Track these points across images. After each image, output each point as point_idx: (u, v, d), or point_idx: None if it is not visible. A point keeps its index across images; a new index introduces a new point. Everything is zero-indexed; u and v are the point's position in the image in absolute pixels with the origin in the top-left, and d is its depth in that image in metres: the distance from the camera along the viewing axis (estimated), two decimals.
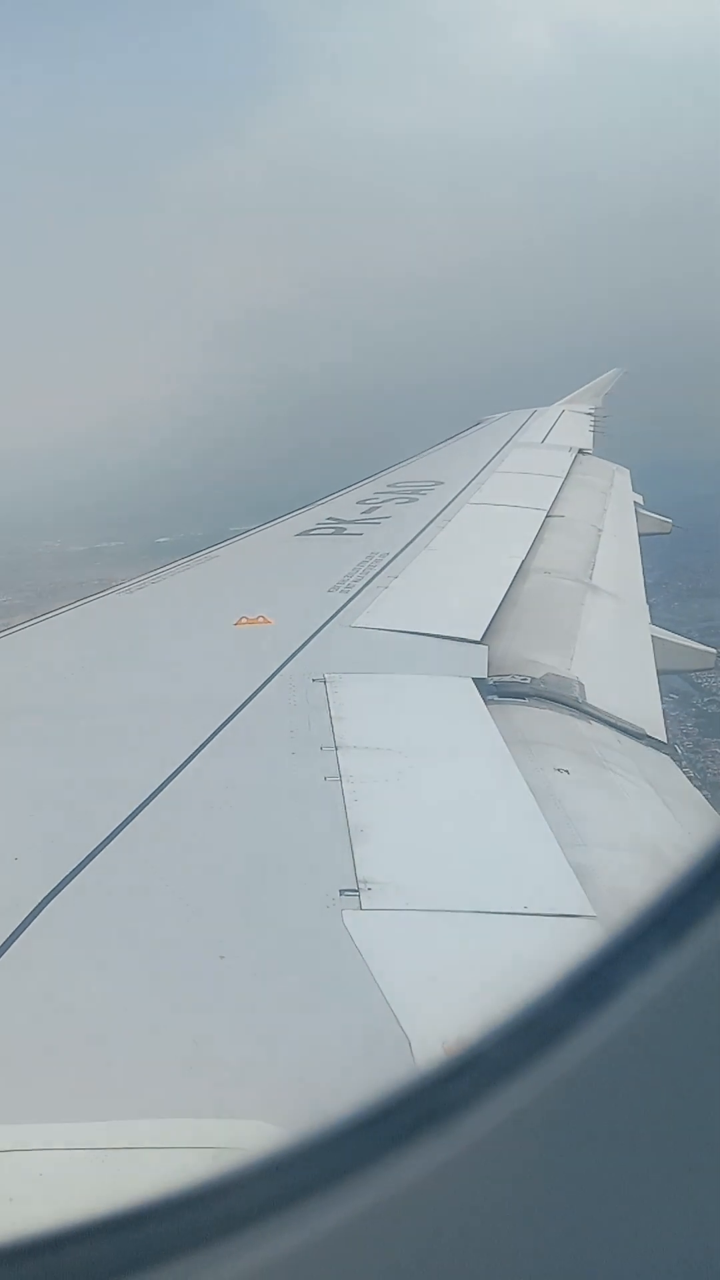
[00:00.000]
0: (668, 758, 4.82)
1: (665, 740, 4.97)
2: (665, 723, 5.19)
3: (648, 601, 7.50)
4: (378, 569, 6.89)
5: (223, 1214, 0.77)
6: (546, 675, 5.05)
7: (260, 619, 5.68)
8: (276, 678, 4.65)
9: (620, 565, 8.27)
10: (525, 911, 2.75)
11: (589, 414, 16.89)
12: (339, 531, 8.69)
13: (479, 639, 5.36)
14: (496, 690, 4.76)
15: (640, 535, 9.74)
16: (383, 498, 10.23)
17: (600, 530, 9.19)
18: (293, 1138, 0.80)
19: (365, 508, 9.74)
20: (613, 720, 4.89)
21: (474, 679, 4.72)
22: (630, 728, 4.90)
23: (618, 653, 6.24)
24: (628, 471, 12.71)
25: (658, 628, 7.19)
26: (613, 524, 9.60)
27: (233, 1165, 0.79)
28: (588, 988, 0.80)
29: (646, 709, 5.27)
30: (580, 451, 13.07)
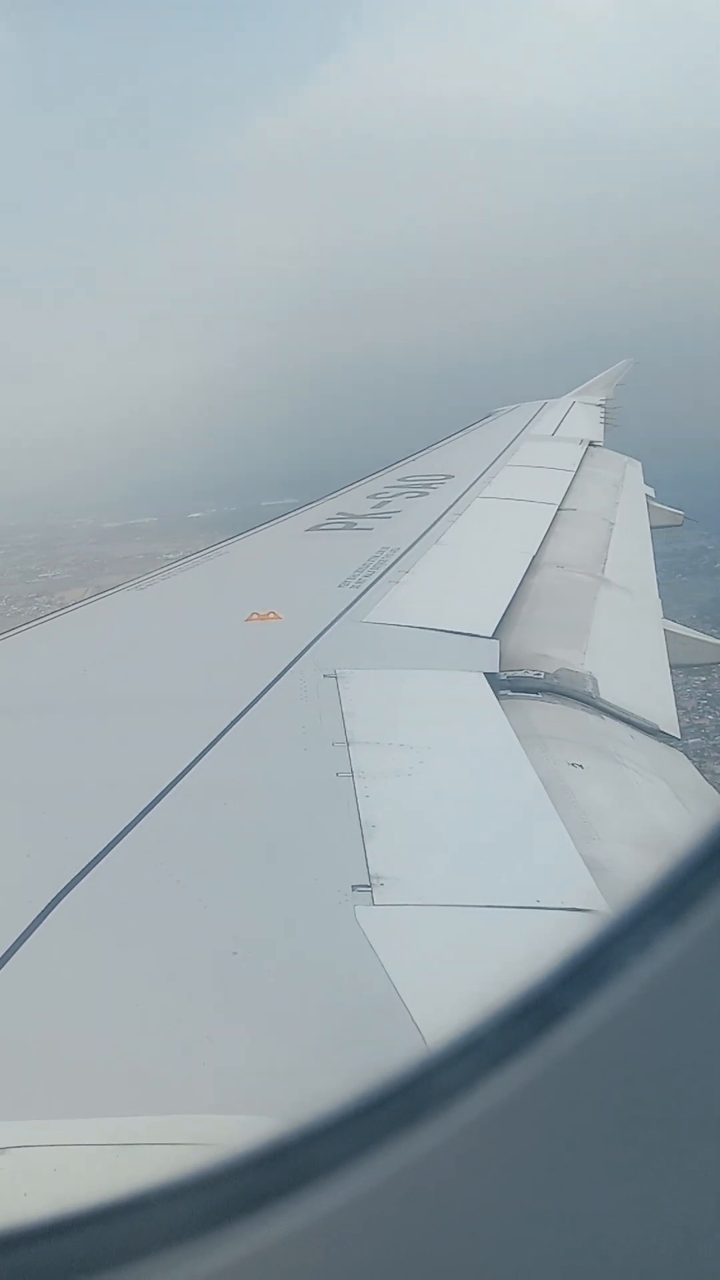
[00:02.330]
0: (680, 753, 4.80)
1: (679, 735, 4.95)
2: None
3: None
4: (388, 564, 6.87)
5: (221, 1200, 0.77)
6: (559, 670, 5.03)
7: (271, 615, 5.68)
8: (287, 674, 4.64)
9: (633, 559, 8.24)
10: (538, 905, 2.74)
11: (600, 405, 16.81)
12: (349, 526, 8.68)
13: (491, 634, 5.34)
14: (509, 685, 4.75)
15: (652, 528, 9.70)
16: (393, 492, 10.20)
17: (612, 524, 9.14)
18: (291, 1124, 0.80)
19: (375, 502, 9.71)
20: (626, 715, 4.86)
21: (486, 674, 4.70)
22: (643, 723, 4.87)
23: (631, 647, 6.21)
24: (639, 464, 12.65)
25: (670, 621, 7.16)
26: (625, 517, 9.56)
27: (230, 1153, 0.79)
28: (587, 969, 0.79)
29: (660, 704, 5.24)
30: (591, 444, 13.02)
